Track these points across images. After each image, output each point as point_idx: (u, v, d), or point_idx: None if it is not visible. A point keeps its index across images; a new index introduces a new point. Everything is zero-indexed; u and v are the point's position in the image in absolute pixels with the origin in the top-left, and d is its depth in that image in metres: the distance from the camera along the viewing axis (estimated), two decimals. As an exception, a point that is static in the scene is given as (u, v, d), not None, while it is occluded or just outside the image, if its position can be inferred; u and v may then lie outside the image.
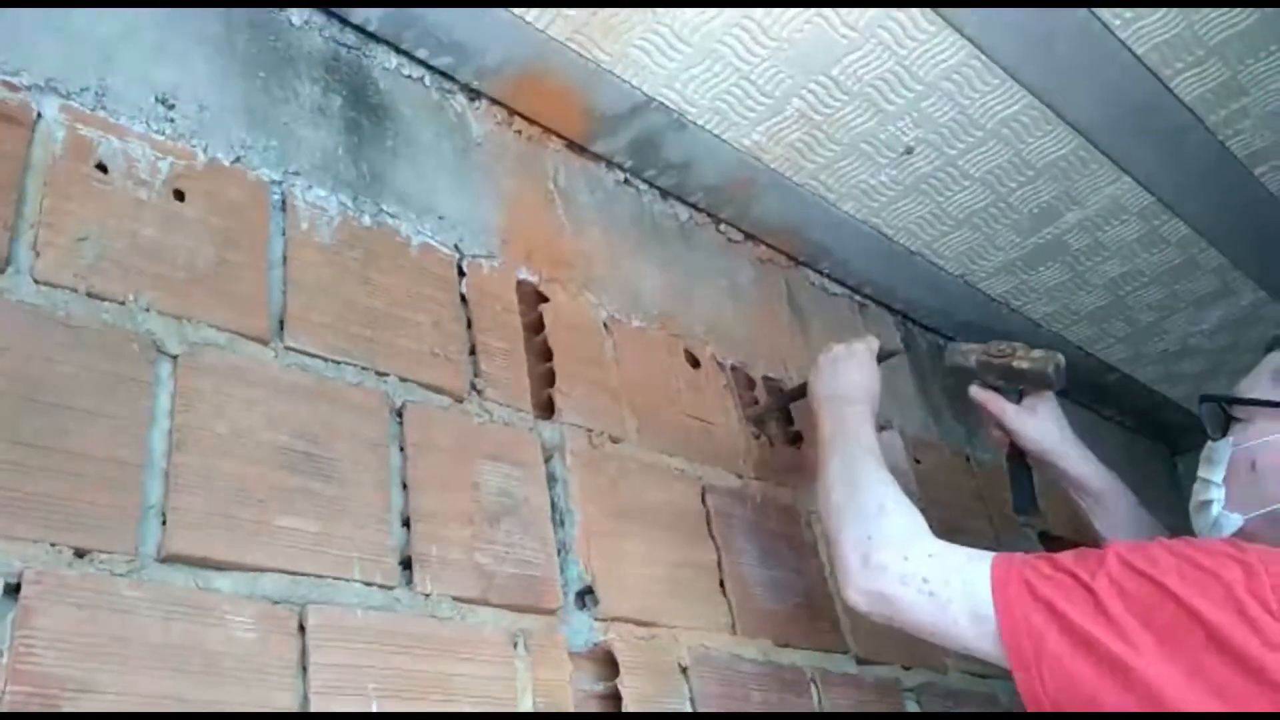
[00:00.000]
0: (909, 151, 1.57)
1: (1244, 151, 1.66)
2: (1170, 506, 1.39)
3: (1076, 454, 1.34)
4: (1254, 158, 1.68)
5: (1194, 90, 1.52)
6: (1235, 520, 1.07)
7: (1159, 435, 2.65)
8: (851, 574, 1.03)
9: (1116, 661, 0.87)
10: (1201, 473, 1.12)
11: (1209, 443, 1.13)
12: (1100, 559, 0.93)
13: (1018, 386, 1.34)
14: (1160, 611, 0.88)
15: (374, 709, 0.86)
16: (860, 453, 1.15)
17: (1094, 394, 2.39)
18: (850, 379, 1.26)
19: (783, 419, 1.55)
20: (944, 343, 1.41)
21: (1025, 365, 1.32)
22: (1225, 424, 1.11)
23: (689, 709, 1.12)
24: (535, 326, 1.27)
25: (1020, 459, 1.38)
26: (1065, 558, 0.96)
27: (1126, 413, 2.51)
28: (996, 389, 1.35)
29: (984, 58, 1.40)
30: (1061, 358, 1.31)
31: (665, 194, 1.59)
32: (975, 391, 1.37)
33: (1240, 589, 0.86)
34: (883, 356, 1.33)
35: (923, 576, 0.99)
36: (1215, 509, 1.09)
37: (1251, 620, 0.85)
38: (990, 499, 1.86)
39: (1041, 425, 1.34)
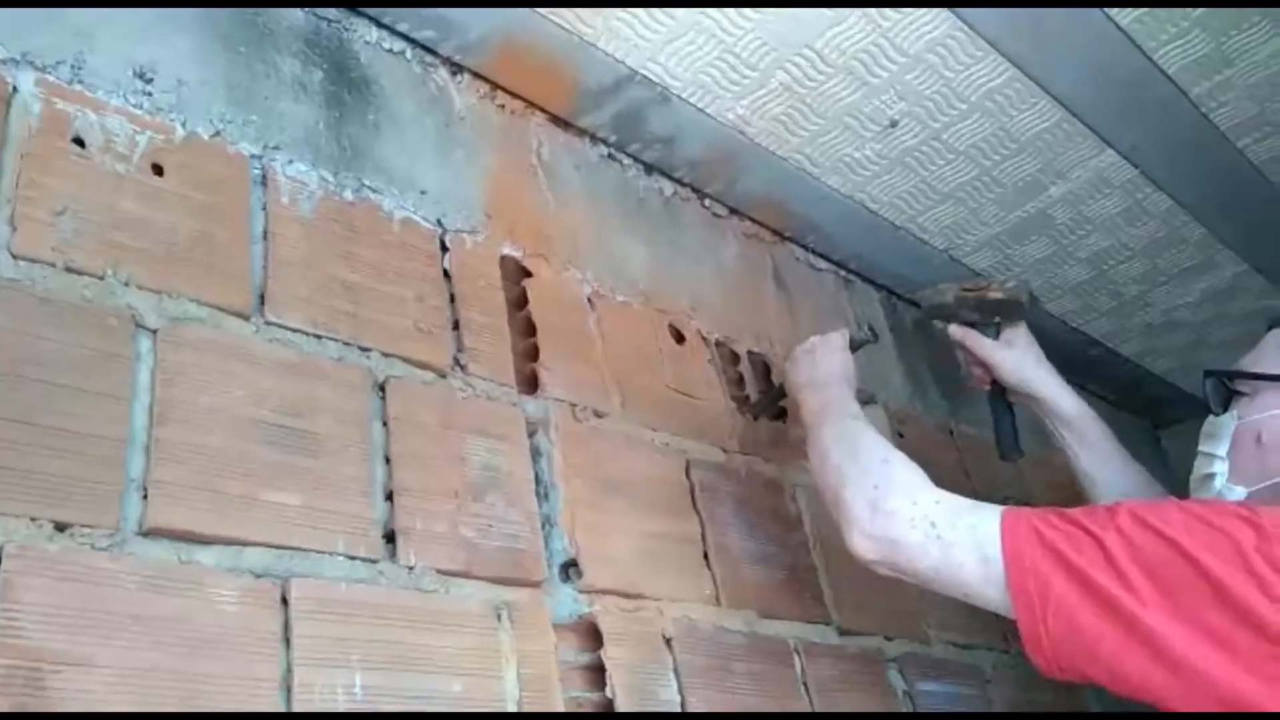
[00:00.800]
0: (893, 125, 1.56)
1: (1228, 123, 1.67)
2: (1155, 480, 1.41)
3: (1055, 383, 1.38)
4: (1237, 130, 1.68)
5: (1178, 62, 1.52)
6: (1239, 493, 1.08)
7: (1142, 410, 2.66)
8: (860, 521, 1.04)
9: (1122, 612, 0.89)
10: (1203, 447, 1.14)
11: (1210, 417, 1.14)
12: (1111, 513, 0.95)
13: (994, 319, 1.38)
14: (1168, 566, 0.89)
15: (357, 680, 0.87)
16: (851, 419, 1.17)
17: (1078, 368, 2.39)
18: (826, 365, 1.29)
19: (774, 413, 1.55)
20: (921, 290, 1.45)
21: (1000, 295, 1.36)
22: (1227, 399, 1.12)
23: (673, 680, 1.12)
24: (519, 301, 1.27)
25: (1002, 397, 1.42)
26: (1075, 511, 0.97)
27: (1110, 387, 2.52)
28: (973, 325, 1.39)
29: (968, 30, 1.40)
30: (1032, 286, 1.37)
31: (650, 169, 1.58)
32: (954, 330, 1.41)
33: (1250, 547, 0.88)
34: (855, 345, 1.35)
35: (931, 520, 1.00)
36: (1218, 482, 1.10)
37: (1259, 577, 0.86)
38: (974, 473, 1.87)
39: (1019, 356, 1.38)
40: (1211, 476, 1.11)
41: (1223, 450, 1.11)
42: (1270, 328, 1.15)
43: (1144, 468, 1.35)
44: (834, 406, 1.21)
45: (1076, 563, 0.92)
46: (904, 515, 1.02)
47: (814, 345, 1.33)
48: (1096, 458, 1.36)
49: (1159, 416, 2.70)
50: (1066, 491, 1.42)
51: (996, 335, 1.39)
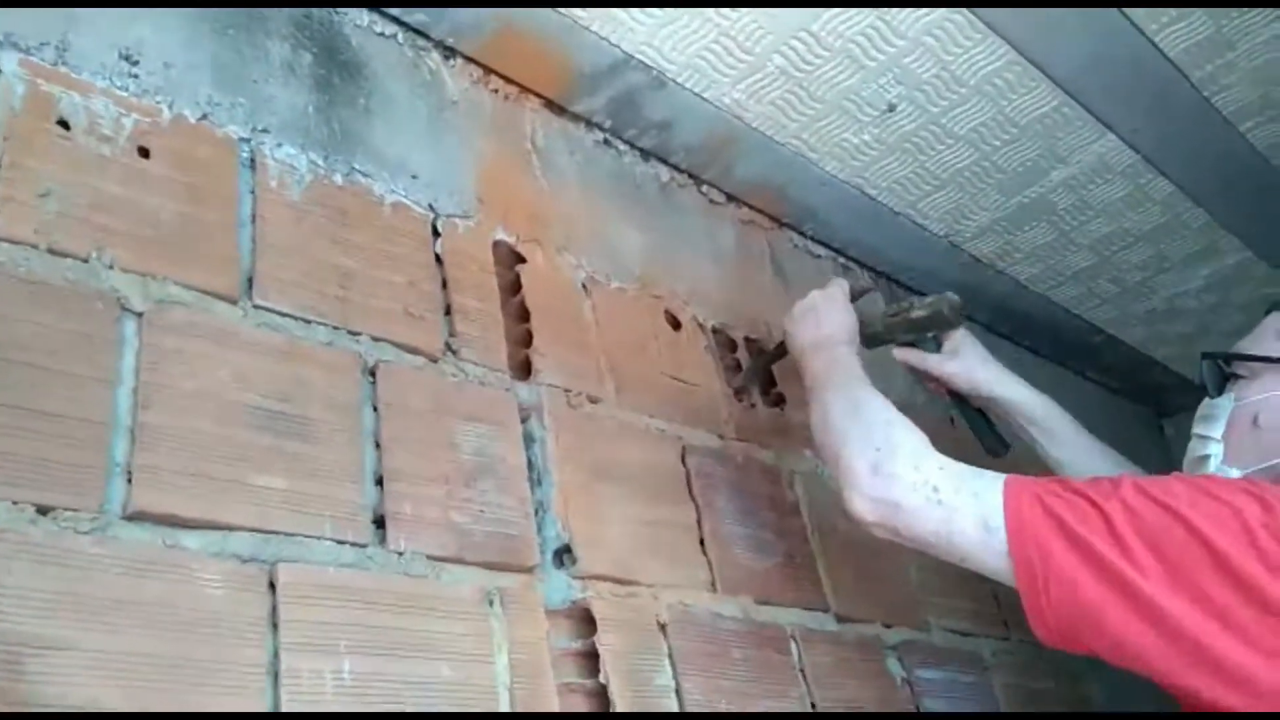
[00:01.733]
0: (891, 109, 1.55)
1: (1230, 108, 1.65)
2: (1158, 469, 1.39)
3: (1007, 379, 1.38)
4: (1240, 114, 1.66)
5: (1179, 45, 1.50)
6: (1234, 475, 1.07)
7: (1145, 398, 2.64)
8: (861, 483, 1.04)
9: (1124, 583, 0.89)
10: (1198, 429, 1.14)
11: (1206, 400, 1.14)
12: (1115, 484, 0.95)
13: (927, 334, 1.38)
14: (1170, 537, 0.89)
15: (346, 666, 0.86)
16: (856, 382, 1.17)
17: (1081, 356, 2.39)
18: (831, 323, 1.28)
19: (764, 380, 1.55)
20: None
21: (922, 312, 1.36)
22: (1223, 381, 1.12)
23: (668, 666, 1.12)
24: (512, 287, 1.26)
25: (965, 403, 1.42)
26: (1080, 482, 0.97)
27: (1113, 375, 2.51)
28: (911, 345, 1.39)
29: (965, 12, 1.39)
30: (954, 296, 1.35)
31: (646, 155, 1.57)
32: (897, 352, 1.41)
33: (1254, 520, 0.88)
34: (855, 295, 1.35)
35: (933, 485, 1.00)
36: (1213, 464, 1.10)
37: (1261, 550, 0.86)
38: (977, 464, 1.85)
39: (966, 363, 1.38)
40: (1206, 459, 1.11)
41: (1218, 432, 1.11)
42: (1269, 311, 1.15)
43: (1111, 449, 1.35)
44: (839, 369, 1.20)
45: (1079, 532, 0.91)
46: (906, 479, 1.01)
47: (815, 302, 1.32)
48: (1063, 444, 1.36)
49: (1162, 404, 2.68)
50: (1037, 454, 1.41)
51: (938, 347, 1.38)
